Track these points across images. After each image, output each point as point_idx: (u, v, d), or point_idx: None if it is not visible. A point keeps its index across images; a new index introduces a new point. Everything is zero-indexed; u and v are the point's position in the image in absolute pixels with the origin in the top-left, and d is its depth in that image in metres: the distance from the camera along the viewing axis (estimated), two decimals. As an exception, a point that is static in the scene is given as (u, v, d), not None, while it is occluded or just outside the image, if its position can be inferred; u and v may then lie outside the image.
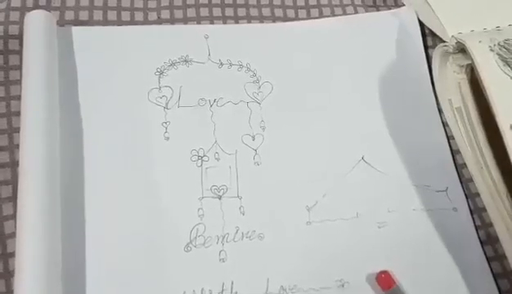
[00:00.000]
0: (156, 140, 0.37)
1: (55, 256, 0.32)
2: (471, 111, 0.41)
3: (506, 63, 0.36)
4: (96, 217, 0.34)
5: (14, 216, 0.33)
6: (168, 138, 0.37)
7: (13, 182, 0.35)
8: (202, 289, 0.33)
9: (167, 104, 0.38)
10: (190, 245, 0.34)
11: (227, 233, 0.35)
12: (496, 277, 0.37)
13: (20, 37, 0.38)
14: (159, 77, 0.39)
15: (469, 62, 0.38)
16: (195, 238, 0.35)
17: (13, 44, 0.38)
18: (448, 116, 0.42)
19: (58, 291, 0.31)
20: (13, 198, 0.34)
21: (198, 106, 0.39)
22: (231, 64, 0.41)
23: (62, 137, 0.35)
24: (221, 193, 0.36)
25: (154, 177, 0.36)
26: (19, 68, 0.37)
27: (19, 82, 0.37)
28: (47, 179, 0.33)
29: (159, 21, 0.42)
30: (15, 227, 0.32)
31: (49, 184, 0.33)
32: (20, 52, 0.38)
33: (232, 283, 0.34)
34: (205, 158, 0.37)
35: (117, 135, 0.36)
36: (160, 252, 0.34)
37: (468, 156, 0.41)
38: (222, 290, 0.34)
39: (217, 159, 0.37)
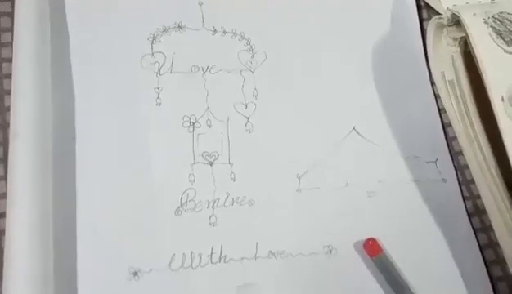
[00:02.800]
0: (148, 105, 0.37)
1: (45, 218, 0.32)
2: (463, 84, 0.41)
3: (500, 35, 0.36)
4: (88, 180, 0.34)
5: (5, 178, 0.33)
6: (159, 104, 0.37)
7: (4, 144, 0.35)
8: (192, 252, 0.34)
9: (159, 69, 0.38)
10: (181, 209, 0.35)
11: (218, 199, 0.35)
12: (481, 248, 0.38)
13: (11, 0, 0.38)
14: (152, 42, 0.39)
15: (463, 35, 0.38)
16: (186, 202, 0.35)
17: (4, 6, 0.38)
18: (441, 89, 0.42)
19: (48, 252, 0.31)
20: (4, 160, 0.34)
21: (191, 73, 0.38)
22: (224, 32, 0.40)
23: (54, 99, 0.35)
24: (212, 160, 0.36)
25: (145, 142, 0.36)
26: (10, 30, 0.37)
27: (10, 44, 0.37)
28: (39, 141, 0.33)
29: (153, -13, 0.41)
30: (6, 188, 0.32)
31: (40, 145, 0.33)
32: (11, 14, 0.37)
33: (222, 247, 0.34)
34: (197, 125, 0.37)
35: (109, 99, 0.36)
36: (151, 215, 0.34)
37: (458, 129, 0.41)
38: (212, 253, 0.34)
39: (209, 126, 0.37)
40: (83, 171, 0.34)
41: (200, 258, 0.34)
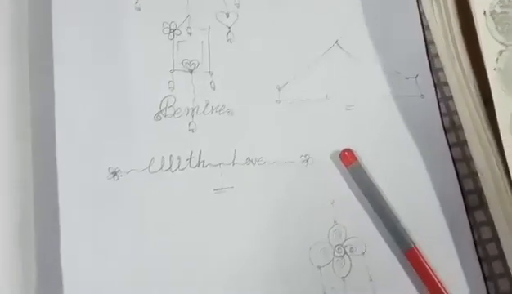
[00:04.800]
0: (127, 10, 0.36)
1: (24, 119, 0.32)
2: (448, 1, 0.40)
3: None
4: (66, 83, 0.34)
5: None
6: (139, 8, 0.37)
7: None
8: (171, 156, 0.34)
9: (139, -27, 0.37)
10: (160, 114, 0.35)
11: (197, 106, 0.36)
12: (455, 162, 0.39)
13: None
14: None
15: None
16: (166, 108, 0.35)
17: None
18: (426, 5, 0.42)
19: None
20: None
21: (172, -21, 0.38)
22: None
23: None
24: (192, 68, 0.36)
25: (124, 47, 0.36)
26: None
27: None
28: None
29: None
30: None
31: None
32: None
33: (200, 152, 0.35)
34: (177, 32, 0.37)
35: (86, 2, 0.36)
36: (130, 119, 0.35)
37: (441, 46, 0.41)
38: (190, 158, 0.35)
39: (190, 34, 0.37)
40: (60, 75, 0.34)
41: (179, 162, 0.34)
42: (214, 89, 0.36)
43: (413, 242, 0.35)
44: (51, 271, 0.31)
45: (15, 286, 0.30)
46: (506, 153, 0.35)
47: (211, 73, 0.37)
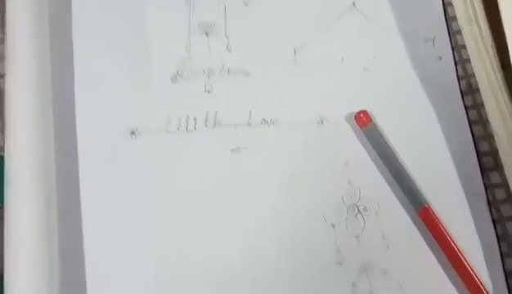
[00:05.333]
0: (144, -28, 0.37)
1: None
2: (468, -38, 0.40)
3: None
4: (84, 51, 0.35)
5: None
6: (156, -29, 0.37)
7: None
8: (187, 116, 0.35)
9: None
10: (177, 76, 0.36)
11: (213, 68, 0.36)
12: (471, 124, 0.39)
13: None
14: None
15: None
16: (182, 70, 0.36)
17: None
18: (444, -33, 0.41)
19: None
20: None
21: None
22: None
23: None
24: (208, 30, 0.37)
25: (141, 11, 0.36)
26: None
27: None
28: None
29: None
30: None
31: None
32: None
33: (216, 113, 0.35)
34: None
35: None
36: (147, 80, 0.35)
37: (459, 8, 0.40)
38: (207, 118, 0.35)
39: (206, -4, 0.37)
40: (79, 38, 0.35)
41: (195, 122, 0.35)
42: (230, 51, 0.37)
43: (426, 202, 0.35)
44: (71, 229, 0.32)
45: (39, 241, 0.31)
46: (523, 115, 0.35)
47: (227, 36, 0.37)
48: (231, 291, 0.32)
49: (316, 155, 0.36)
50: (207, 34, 0.37)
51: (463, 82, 0.40)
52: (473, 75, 0.39)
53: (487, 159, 0.38)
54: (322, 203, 0.35)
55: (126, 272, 0.32)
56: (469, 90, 0.40)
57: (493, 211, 0.37)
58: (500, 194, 0.37)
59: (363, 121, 0.37)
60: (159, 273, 0.32)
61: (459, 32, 0.40)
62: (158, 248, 0.33)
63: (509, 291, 0.36)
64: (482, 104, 0.39)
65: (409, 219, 0.36)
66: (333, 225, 0.35)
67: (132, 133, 0.34)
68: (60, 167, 0.33)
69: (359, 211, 0.36)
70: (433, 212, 0.35)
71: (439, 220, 0.35)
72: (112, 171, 0.33)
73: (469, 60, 0.40)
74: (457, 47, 0.40)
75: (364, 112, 0.37)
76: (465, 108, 0.39)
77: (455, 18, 0.41)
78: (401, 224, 0.35)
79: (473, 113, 0.39)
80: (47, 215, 0.31)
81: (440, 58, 0.39)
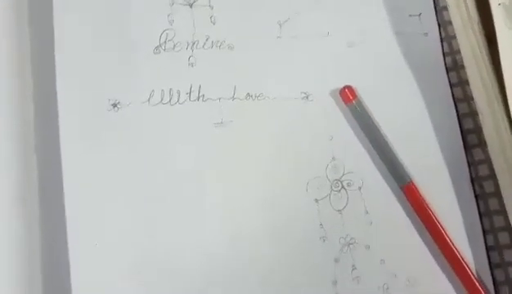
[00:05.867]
0: None
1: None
2: None
3: None
4: (65, 22, 0.34)
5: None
6: None
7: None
8: (170, 89, 0.34)
9: None
10: (160, 48, 0.35)
11: (197, 41, 0.36)
12: (456, 101, 0.39)
13: None
14: None
15: None
16: (165, 42, 0.35)
17: None
18: None
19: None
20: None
21: None
22: None
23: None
24: (192, 1, 0.36)
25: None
26: None
27: None
28: None
29: None
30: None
31: None
32: None
33: (200, 87, 0.35)
34: None
35: None
36: (130, 53, 0.34)
37: (445, -17, 0.40)
38: (190, 92, 0.35)
39: (189, -33, 0.36)
40: (59, 8, 0.34)
41: (179, 95, 0.34)
42: (214, 24, 0.36)
43: (410, 178, 0.35)
44: (52, 203, 0.32)
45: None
46: (507, 92, 0.35)
47: (211, 7, 0.36)
48: (213, 265, 0.32)
49: (301, 130, 0.36)
50: (190, 5, 0.36)
51: (448, 59, 0.40)
52: (458, 52, 0.39)
53: (471, 136, 0.38)
54: (306, 178, 0.35)
55: (108, 245, 0.31)
56: (454, 66, 0.40)
57: (476, 187, 0.37)
58: (483, 171, 0.37)
59: (348, 96, 0.36)
60: (140, 245, 0.32)
61: (445, 8, 0.40)
62: (140, 220, 0.32)
63: (490, 267, 0.36)
64: (467, 82, 0.39)
65: (392, 195, 0.36)
66: (316, 200, 0.35)
67: (114, 105, 0.33)
68: (41, 139, 0.32)
69: (343, 186, 0.35)
70: (417, 188, 0.35)
71: (422, 196, 0.35)
72: (94, 143, 0.33)
73: (454, 37, 0.39)
74: (443, 23, 0.40)
75: (349, 87, 0.37)
76: (450, 85, 0.39)
77: (441, -6, 0.40)
78: (384, 200, 0.36)
79: (457, 90, 0.39)
80: (27, 189, 0.31)
81: (426, 34, 0.39)
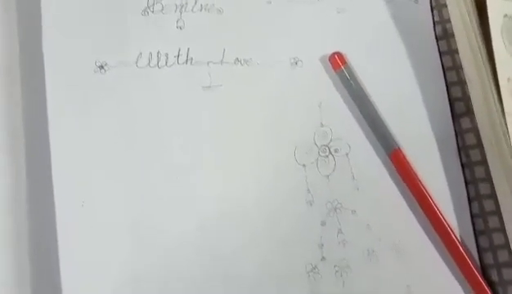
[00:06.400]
0: None
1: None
2: None
3: None
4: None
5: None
6: None
7: None
8: (158, 51, 0.34)
9: None
10: (148, 10, 0.34)
11: (186, 3, 0.35)
12: (445, 70, 0.39)
13: None
14: None
15: None
16: (153, 4, 0.35)
17: None
18: None
19: None
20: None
21: None
22: None
23: None
24: (181, -38, 0.35)
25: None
26: None
27: None
28: None
29: None
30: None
31: None
32: None
33: (188, 50, 0.35)
34: None
35: None
36: (117, 14, 0.34)
37: (438, -48, 0.40)
38: (178, 55, 0.34)
39: None
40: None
41: (167, 58, 0.34)
42: (204, -14, 0.36)
43: (397, 144, 0.36)
44: (39, 170, 0.32)
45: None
46: (496, 60, 0.35)
47: (201, -32, 0.36)
48: (201, 232, 0.32)
49: (289, 96, 0.36)
50: (179, -34, 0.35)
51: (438, 27, 0.40)
52: (448, 20, 0.39)
53: (459, 105, 0.38)
54: (294, 143, 0.35)
55: (95, 206, 0.31)
56: (444, 35, 0.39)
57: (462, 155, 0.37)
58: (470, 139, 0.37)
59: (337, 63, 0.36)
60: (129, 207, 0.32)
61: (436, -24, 0.40)
62: (127, 182, 0.32)
63: (475, 234, 0.36)
64: (456, 50, 0.39)
65: (379, 161, 0.36)
66: (304, 165, 0.35)
67: (101, 67, 0.33)
68: (28, 101, 0.32)
69: (330, 152, 0.36)
70: (404, 155, 0.36)
71: (409, 163, 0.36)
72: (80, 106, 0.32)
73: (445, 5, 0.39)
74: (434, -9, 0.40)
75: (338, 53, 0.36)
76: (439, 53, 0.39)
77: (433, -38, 0.40)
78: (371, 166, 0.36)
79: (447, 58, 0.39)
80: (14, 155, 0.31)
81: (416, 1, 0.39)
